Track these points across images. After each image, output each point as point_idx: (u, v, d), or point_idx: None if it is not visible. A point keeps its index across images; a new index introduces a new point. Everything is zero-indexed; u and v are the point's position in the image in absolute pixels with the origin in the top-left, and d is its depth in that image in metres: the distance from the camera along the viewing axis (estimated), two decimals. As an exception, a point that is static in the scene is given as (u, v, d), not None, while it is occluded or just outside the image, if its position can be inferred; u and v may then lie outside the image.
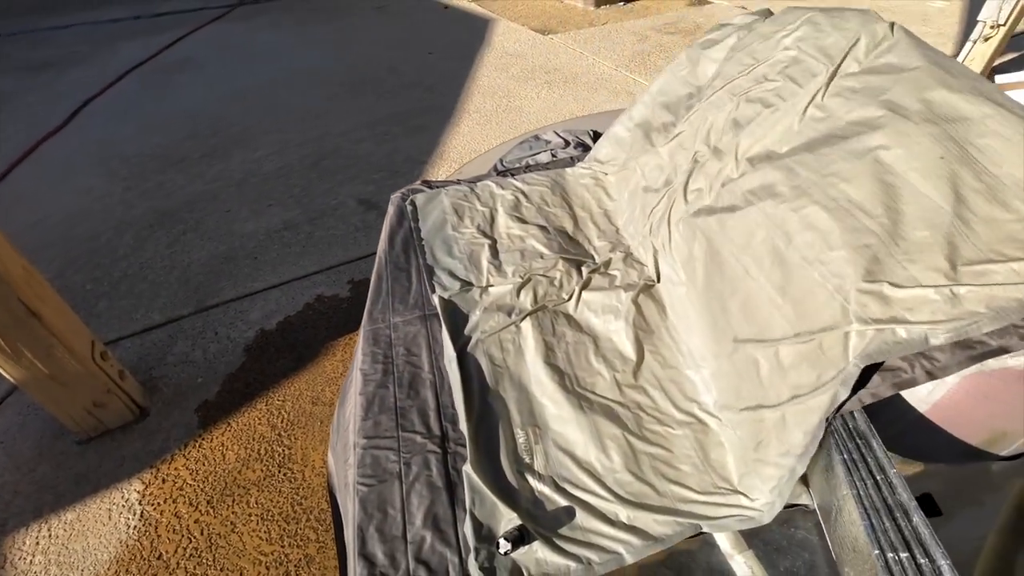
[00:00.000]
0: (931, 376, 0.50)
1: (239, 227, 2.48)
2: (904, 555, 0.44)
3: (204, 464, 1.57)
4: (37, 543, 1.41)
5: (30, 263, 1.37)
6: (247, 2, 5.60)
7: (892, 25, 0.75)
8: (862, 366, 0.51)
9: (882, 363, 0.54)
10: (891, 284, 0.54)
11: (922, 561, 0.43)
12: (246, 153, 3.04)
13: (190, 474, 1.54)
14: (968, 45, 3.57)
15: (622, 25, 4.97)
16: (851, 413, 0.53)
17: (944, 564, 0.43)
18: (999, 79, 3.43)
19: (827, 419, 0.51)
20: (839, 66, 0.72)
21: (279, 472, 1.54)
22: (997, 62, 3.75)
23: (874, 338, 0.51)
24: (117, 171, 2.90)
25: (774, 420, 0.56)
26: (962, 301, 0.51)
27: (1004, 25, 3.41)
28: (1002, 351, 0.49)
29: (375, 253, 2.29)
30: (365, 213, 2.55)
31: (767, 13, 1.01)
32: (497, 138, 3.17)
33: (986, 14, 3.44)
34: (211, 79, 3.93)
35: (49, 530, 1.44)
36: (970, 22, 4.31)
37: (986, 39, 3.53)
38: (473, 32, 4.79)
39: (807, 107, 0.72)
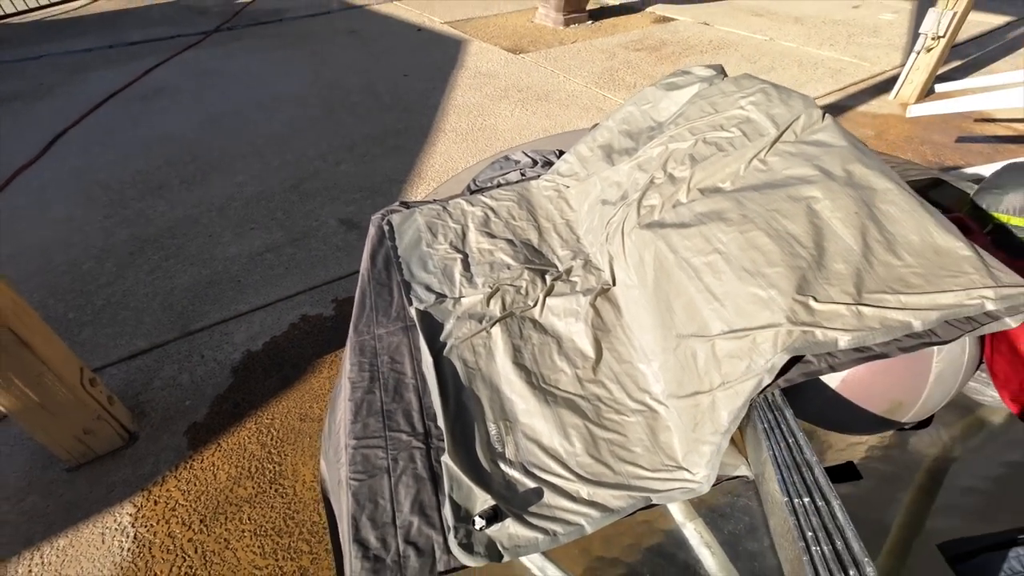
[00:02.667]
0: (832, 369, 0.62)
1: (221, 251, 2.53)
2: (807, 500, 0.53)
3: (195, 484, 1.60)
4: (30, 570, 1.43)
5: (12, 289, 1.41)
6: (221, 29, 5.66)
7: (824, 113, 0.95)
8: (788, 357, 0.62)
9: (801, 357, 0.64)
10: (814, 299, 0.67)
11: (820, 504, 0.53)
12: (226, 177, 3.09)
13: (182, 494, 1.58)
14: (912, 56, 3.81)
15: (591, 43, 5.15)
16: (771, 392, 0.63)
17: (836, 504, 0.52)
18: (939, 87, 3.67)
19: (751, 400, 0.61)
20: (782, 133, 0.88)
21: (270, 488, 1.58)
22: (940, 71, 4.00)
23: (799, 337, 0.63)
24: (96, 199, 2.92)
25: (707, 404, 0.65)
26: (863, 318, 0.64)
27: (944, 36, 3.66)
28: (883, 356, 0.64)
29: (357, 272, 2.37)
30: (346, 233, 2.62)
31: (721, 69, 1.17)
32: (473, 155, 3.27)
33: (927, 27, 3.69)
34: (188, 105, 3.98)
35: (42, 557, 1.46)
36: (917, 34, 4.58)
37: (928, 50, 3.78)
38: (446, 53, 4.93)
39: (752, 159, 0.88)
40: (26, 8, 6.20)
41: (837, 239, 0.72)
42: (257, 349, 2.04)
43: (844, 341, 0.62)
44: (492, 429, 0.76)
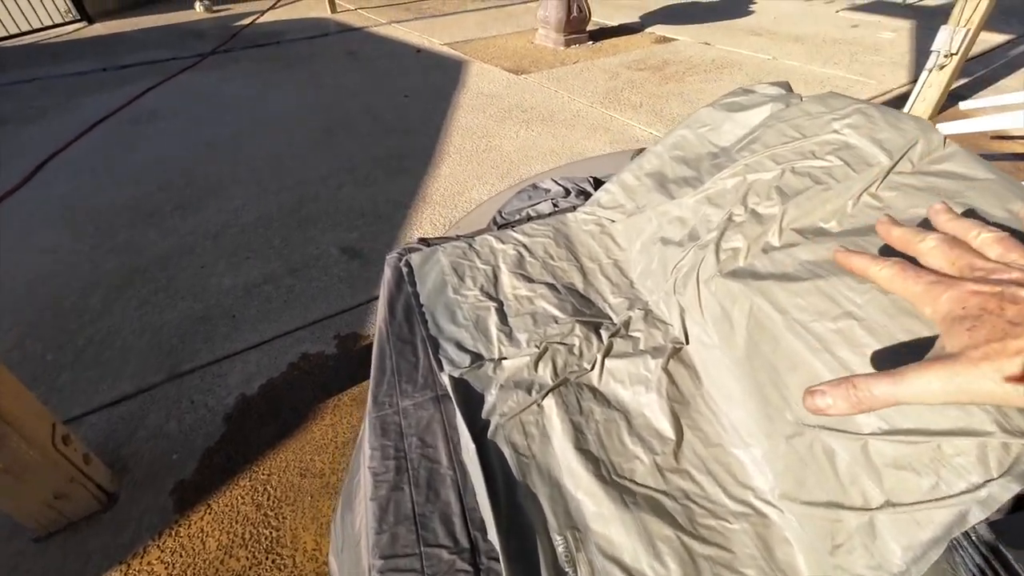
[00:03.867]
0: None
1: (215, 283, 2.36)
2: None
3: (181, 555, 1.41)
4: (-13, 665, 1.24)
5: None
6: (218, 51, 5.57)
7: (946, 138, 0.76)
8: (1018, 488, 0.43)
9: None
10: None
11: None
12: (222, 203, 2.94)
13: (165, 568, 1.39)
14: (924, 74, 3.74)
15: (593, 63, 5.09)
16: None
17: None
18: (963, 105, 3.59)
19: (948, 538, 0.44)
20: (898, 161, 0.71)
21: (266, 559, 1.39)
22: (953, 87, 3.94)
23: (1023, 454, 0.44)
24: (83, 228, 2.76)
25: (858, 524, 0.49)
26: None
27: (956, 54, 3.60)
28: None
29: (361, 304, 2.21)
30: (348, 262, 2.47)
31: (787, 86, 1.01)
32: (479, 177, 3.14)
33: (939, 44, 3.62)
34: (182, 129, 3.85)
35: (1, 648, 1.26)
36: (920, 50, 4.52)
37: (941, 67, 3.71)
38: (447, 75, 4.84)
39: (862, 193, 0.71)
40: (18, 32, 6.11)
41: None
42: (252, 393, 1.86)
43: None
44: (559, 543, 0.59)
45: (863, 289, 0.57)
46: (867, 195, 0.70)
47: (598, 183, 1.23)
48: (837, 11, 6.96)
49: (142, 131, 3.84)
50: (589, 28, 5.75)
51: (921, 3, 7.10)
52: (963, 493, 0.43)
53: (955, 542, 0.48)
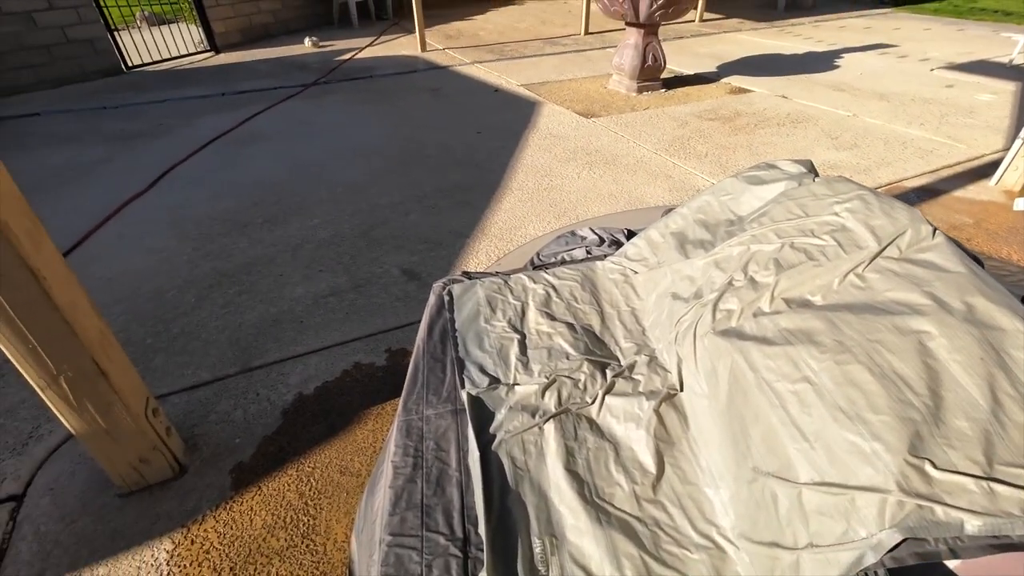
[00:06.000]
0: (954, 555, 0.50)
1: (289, 291, 2.65)
2: None
3: (232, 528, 1.60)
4: (68, 596, 1.46)
5: (103, 320, 1.51)
6: (319, 83, 6.20)
7: (935, 229, 0.82)
8: (900, 537, 0.51)
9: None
10: (932, 464, 0.55)
11: None
12: (303, 220, 3.29)
13: (218, 537, 1.58)
14: (1018, 142, 3.55)
15: (663, 111, 5.21)
16: (874, 572, 0.53)
17: None
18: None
19: None
20: (884, 248, 0.79)
21: (302, 543, 1.55)
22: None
23: (913, 512, 0.51)
24: (188, 233, 3.18)
25: (789, 562, 0.56)
26: (998, 498, 0.52)
27: (1053, 123, 3.39)
28: None
29: (413, 323, 2.40)
30: (407, 283, 2.68)
31: (811, 166, 1.09)
32: (537, 214, 3.31)
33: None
34: (279, 152, 4.32)
35: (81, 584, 1.48)
36: (1019, 116, 4.28)
37: (1035, 136, 3.51)
38: (520, 114, 5.12)
39: (848, 273, 0.78)
40: (157, 59, 7.10)
41: (958, 388, 0.61)
42: (309, 393, 2.07)
43: (973, 526, 0.50)
44: (536, 545, 0.69)
45: (822, 359, 0.64)
46: (853, 275, 0.77)
47: (631, 234, 1.34)
48: (932, 69, 6.67)
49: (246, 151, 4.35)
50: (664, 76, 5.89)
51: (1029, 64, 6.67)
52: (862, 539, 0.50)
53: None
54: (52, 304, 1.29)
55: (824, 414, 0.59)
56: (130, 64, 6.77)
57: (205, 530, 1.60)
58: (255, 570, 1.50)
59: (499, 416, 0.86)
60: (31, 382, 1.39)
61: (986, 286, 0.67)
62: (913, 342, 0.64)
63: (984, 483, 0.52)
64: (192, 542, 1.57)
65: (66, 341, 1.36)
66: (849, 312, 0.70)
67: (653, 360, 0.95)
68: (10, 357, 1.32)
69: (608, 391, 0.89)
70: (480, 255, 2.90)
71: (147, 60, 6.99)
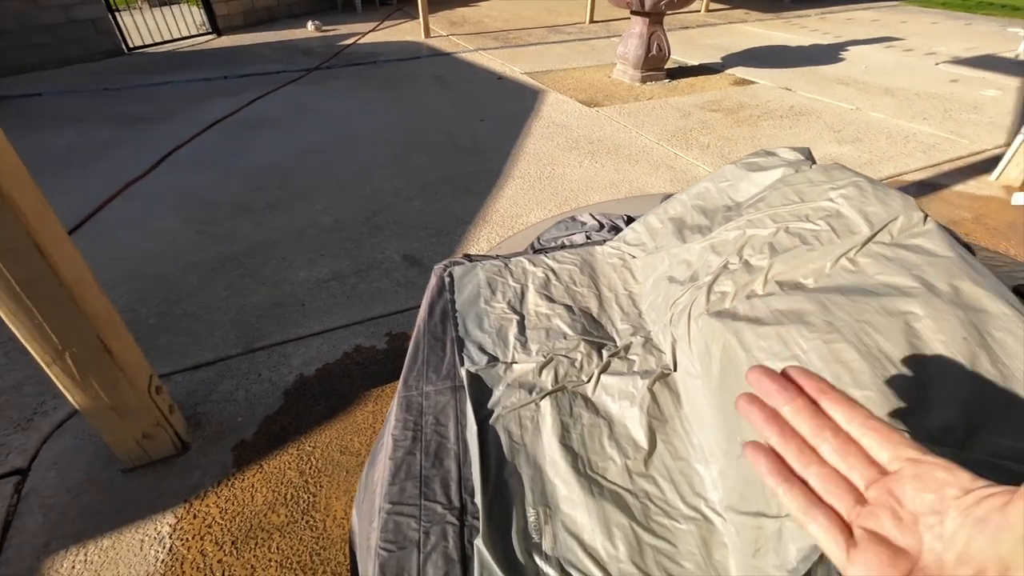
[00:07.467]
0: None
1: (292, 275, 2.66)
2: None
3: (233, 504, 1.64)
4: (73, 567, 1.49)
5: (108, 299, 1.53)
6: (321, 68, 6.17)
7: (926, 216, 0.84)
8: None
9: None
10: (911, 435, 0.59)
11: None
12: (307, 205, 3.30)
13: (219, 512, 1.61)
14: (1020, 137, 3.54)
15: (666, 101, 5.18)
16: None
17: None
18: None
19: None
20: (876, 233, 0.81)
21: (302, 519, 1.59)
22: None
23: None
24: (192, 215, 3.19)
25: (773, 530, 0.58)
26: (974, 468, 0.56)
27: (1057, 120, 3.39)
28: None
29: (413, 308, 2.42)
30: (408, 269, 2.70)
31: (808, 153, 1.10)
32: (539, 202, 3.31)
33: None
34: (283, 136, 4.32)
35: (86, 555, 1.52)
36: (1023, 112, 4.27)
37: (1038, 132, 3.50)
38: (524, 103, 5.11)
39: (840, 257, 0.80)
40: (159, 40, 7.05)
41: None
42: (310, 374, 2.09)
43: None
44: (531, 515, 0.72)
45: (811, 338, 0.66)
46: (845, 259, 0.79)
47: (630, 220, 1.35)
48: (937, 64, 6.63)
49: (250, 135, 4.35)
50: (668, 66, 5.86)
51: (1036, 60, 6.62)
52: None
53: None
54: (58, 280, 1.31)
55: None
56: (131, 45, 6.73)
57: (207, 505, 1.64)
58: (256, 544, 1.53)
59: (497, 392, 0.88)
60: (37, 358, 1.41)
61: (973, 271, 0.69)
62: (900, 323, 0.66)
63: (961, 453, 0.55)
64: (194, 517, 1.61)
65: (72, 317, 1.38)
66: (840, 294, 0.71)
67: (648, 341, 0.97)
68: (16, 333, 1.35)
69: (604, 370, 0.91)
70: (481, 242, 2.91)
71: (148, 42, 6.95)
